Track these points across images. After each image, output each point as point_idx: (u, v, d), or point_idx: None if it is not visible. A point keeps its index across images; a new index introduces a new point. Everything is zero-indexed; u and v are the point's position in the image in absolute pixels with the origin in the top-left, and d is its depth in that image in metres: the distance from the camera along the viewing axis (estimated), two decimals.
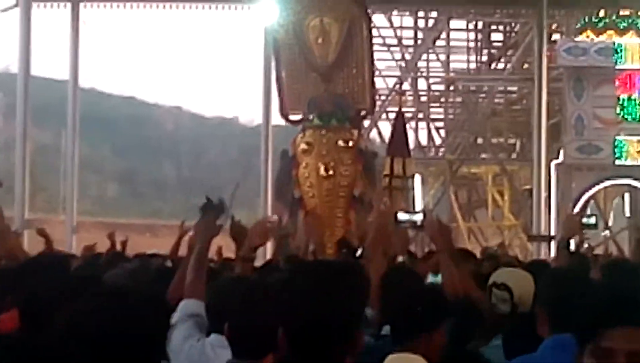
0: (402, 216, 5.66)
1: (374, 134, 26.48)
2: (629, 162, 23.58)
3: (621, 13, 23.63)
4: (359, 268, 3.01)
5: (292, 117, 13.73)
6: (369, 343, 4.91)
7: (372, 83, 13.91)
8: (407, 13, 29.64)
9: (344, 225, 12.79)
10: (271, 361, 3.32)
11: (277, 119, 19.26)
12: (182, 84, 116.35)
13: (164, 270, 6.72)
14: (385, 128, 25.54)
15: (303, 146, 13.01)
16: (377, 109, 23.07)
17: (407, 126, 24.31)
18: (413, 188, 16.51)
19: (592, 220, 6.42)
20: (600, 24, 23.69)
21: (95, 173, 66.53)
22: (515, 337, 4.44)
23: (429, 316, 4.15)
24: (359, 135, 13.52)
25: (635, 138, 23.65)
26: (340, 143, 12.96)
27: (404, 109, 20.83)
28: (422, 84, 30.73)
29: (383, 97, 26.22)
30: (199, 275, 4.80)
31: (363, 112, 13.90)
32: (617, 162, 23.56)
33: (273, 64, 14.34)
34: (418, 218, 5.61)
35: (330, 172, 12.82)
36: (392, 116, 24.74)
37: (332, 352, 2.59)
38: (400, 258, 7.54)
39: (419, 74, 29.74)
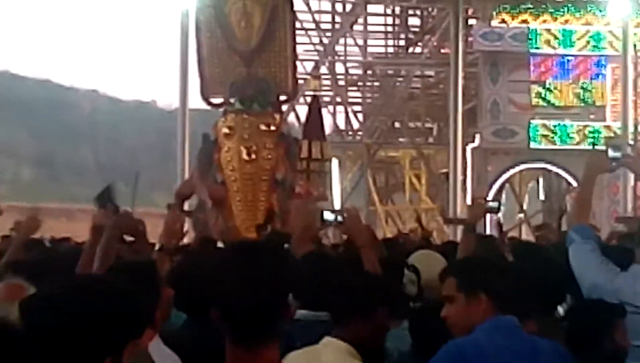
0: (327, 215, 5.68)
1: (291, 118, 26.52)
2: (543, 146, 23.93)
3: None
4: (282, 248, 3.10)
5: (214, 100, 13.68)
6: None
7: (294, 67, 13.92)
8: None
9: (266, 209, 12.80)
10: None
11: (195, 102, 19.21)
12: (98, 67, 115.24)
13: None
14: (303, 112, 25.58)
15: (225, 130, 12.97)
16: None
17: (325, 110, 24.42)
18: (330, 172, 16.53)
19: (495, 204, 6.53)
20: (515, 10, 23.98)
21: (10, 157, 65.59)
22: (420, 319, 4.50)
23: (364, 299, 4.19)
24: (280, 119, 13.52)
25: (549, 122, 24.01)
26: (262, 127, 12.95)
27: (321, 93, 20.90)
28: (339, 68, 30.81)
29: (301, 82, 26.22)
30: (104, 263, 4.83)
31: (285, 97, 13.91)
32: (532, 146, 23.92)
33: (194, 46, 14.24)
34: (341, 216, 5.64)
35: (253, 156, 12.80)
36: (309, 100, 24.80)
37: (265, 328, 2.74)
38: None
39: (336, 58, 29.79)
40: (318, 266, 4.82)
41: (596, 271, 4.90)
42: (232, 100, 13.12)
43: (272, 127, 13.01)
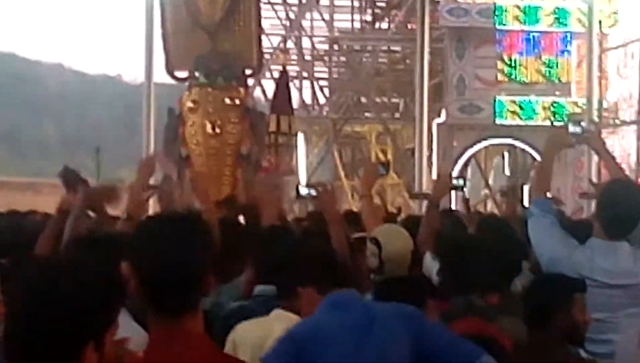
0: (303, 189, 5.69)
1: (257, 92, 26.44)
2: (508, 122, 24.02)
3: None
4: (202, 219, 3.10)
5: (178, 75, 13.62)
6: (244, 305, 4.96)
7: (259, 42, 13.87)
8: None
9: (231, 183, 12.78)
10: None
11: (160, 77, 19.09)
12: (64, 41, 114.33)
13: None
14: (269, 87, 25.51)
15: (189, 104, 12.92)
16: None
17: (291, 84, 24.35)
18: (297, 146, 16.55)
19: (461, 182, 6.55)
20: None
21: None
22: (382, 292, 4.52)
23: (308, 271, 4.20)
24: (245, 93, 13.48)
25: (514, 98, 24.09)
26: (227, 101, 12.91)
27: (288, 68, 20.82)
28: (306, 43, 30.73)
29: (267, 56, 26.16)
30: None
31: (250, 71, 13.87)
32: (497, 121, 23.99)
33: (159, 20, 14.15)
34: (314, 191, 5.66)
35: (217, 130, 12.77)
36: (276, 75, 24.73)
37: (184, 299, 2.79)
38: None
39: (303, 33, 29.72)
40: (277, 241, 4.84)
41: (554, 245, 4.94)
42: (197, 74, 13.07)
43: (237, 101, 12.98)
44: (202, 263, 2.82)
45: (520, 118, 24.02)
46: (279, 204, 6.70)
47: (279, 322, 4.13)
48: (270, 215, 6.10)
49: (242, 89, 13.31)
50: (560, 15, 24.08)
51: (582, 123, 5.46)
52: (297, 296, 4.16)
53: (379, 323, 3.69)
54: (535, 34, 24.44)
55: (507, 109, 24.04)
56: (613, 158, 5.85)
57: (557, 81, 24.51)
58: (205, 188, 6.66)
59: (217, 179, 12.69)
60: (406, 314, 3.76)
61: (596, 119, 21.23)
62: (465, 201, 9.86)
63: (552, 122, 22.09)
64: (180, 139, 12.89)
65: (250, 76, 14.01)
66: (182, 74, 13.55)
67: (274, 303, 4.33)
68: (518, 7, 24.02)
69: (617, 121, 24.76)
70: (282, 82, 15.56)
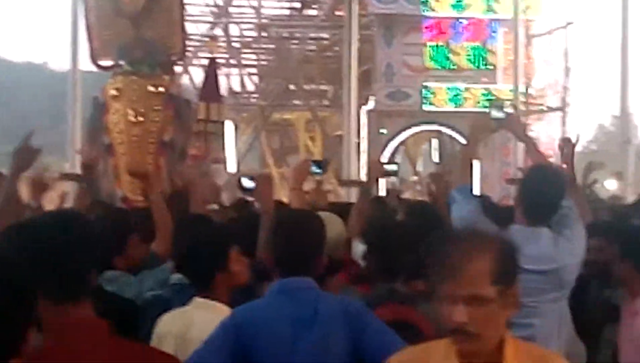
0: (246, 182, 5.66)
1: (185, 80, 26.28)
2: (436, 108, 24.18)
3: None
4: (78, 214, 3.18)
5: (103, 63, 13.50)
6: (159, 295, 4.95)
7: (183, 28, 13.79)
8: None
9: (154, 171, 12.70)
10: None
11: (87, 65, 18.91)
12: None
13: None
14: (197, 74, 25.42)
15: (112, 92, 12.79)
16: (189, 55, 22.92)
17: (220, 72, 24.24)
18: (225, 134, 16.47)
19: (394, 167, 6.56)
20: None
21: None
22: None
23: (214, 257, 4.21)
24: (170, 81, 13.39)
25: (442, 85, 24.25)
26: (151, 88, 12.80)
27: (216, 55, 20.73)
28: (234, 30, 30.63)
29: (195, 43, 26.02)
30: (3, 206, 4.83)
31: (174, 58, 13.78)
32: (425, 108, 24.14)
33: (82, 9, 14.01)
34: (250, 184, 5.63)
35: (140, 118, 12.65)
36: (204, 62, 24.61)
37: (70, 286, 2.83)
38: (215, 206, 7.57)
39: (230, 19, 29.60)
40: (193, 231, 4.81)
41: None
42: (121, 62, 12.97)
43: (161, 89, 12.90)
44: (87, 256, 2.91)
45: (448, 105, 24.19)
46: (210, 191, 6.66)
47: (200, 310, 4.12)
48: (199, 203, 6.07)
49: (166, 77, 13.23)
50: (488, 3, 24.27)
51: (504, 108, 5.50)
52: (212, 284, 4.17)
53: (322, 318, 3.68)
54: (463, 21, 24.62)
55: (435, 96, 24.20)
56: (533, 142, 5.89)
57: (484, 68, 24.71)
58: (151, 176, 6.59)
59: (139, 167, 12.61)
60: (351, 312, 3.75)
61: (522, 105, 21.45)
62: (395, 187, 9.90)
63: (477, 109, 22.27)
64: (103, 127, 12.78)
65: (174, 62, 13.93)
66: (106, 62, 13.43)
67: (190, 291, 4.32)
68: None
69: (543, 108, 25.05)
70: (211, 70, 15.49)
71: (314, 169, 6.25)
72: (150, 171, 7.31)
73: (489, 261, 2.86)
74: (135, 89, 12.72)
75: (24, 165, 5.10)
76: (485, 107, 23.52)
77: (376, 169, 6.48)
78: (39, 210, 7.10)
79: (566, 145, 6.02)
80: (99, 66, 13.52)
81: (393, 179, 16.20)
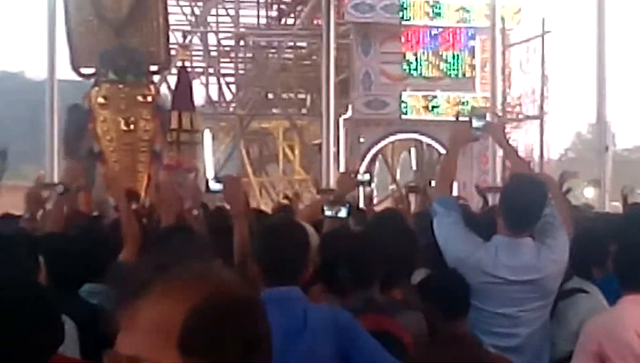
0: (213, 184, 5.62)
1: (163, 88, 26.17)
2: (414, 117, 24.19)
3: None
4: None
5: (84, 71, 13.46)
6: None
7: (167, 37, 13.79)
8: None
9: (144, 179, 12.70)
10: None
11: (64, 73, 18.81)
12: None
13: None
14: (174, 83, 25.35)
15: (100, 100, 12.79)
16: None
17: (197, 81, 24.19)
18: (202, 143, 16.42)
19: (367, 177, 6.53)
20: None
21: None
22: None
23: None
24: (157, 91, 13.41)
25: (420, 93, 24.27)
26: (139, 98, 12.85)
27: (193, 64, 20.68)
28: (212, 39, 30.58)
29: (172, 52, 25.95)
30: None
31: (157, 67, 13.77)
32: (404, 117, 24.15)
33: (62, 16, 13.96)
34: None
35: (132, 127, 12.70)
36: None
37: None
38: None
39: (208, 28, 29.57)
40: (176, 239, 4.79)
41: (459, 244, 4.96)
42: (104, 70, 12.93)
43: (149, 99, 12.92)
44: None
45: (426, 113, 24.21)
46: (180, 204, 6.61)
47: None
48: (170, 216, 6.03)
49: (152, 87, 13.24)
50: (464, 11, 24.32)
51: (486, 117, 5.49)
52: None
53: (311, 329, 3.65)
54: (440, 30, 24.66)
55: (413, 104, 24.22)
56: (515, 150, 5.90)
57: (461, 76, 24.76)
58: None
59: (131, 176, 12.62)
60: (339, 324, 3.72)
61: (500, 113, 21.49)
62: (369, 196, 9.89)
63: (457, 117, 22.29)
64: (91, 134, 12.75)
65: (156, 72, 13.90)
66: (88, 70, 13.39)
67: None
68: (423, 2, 24.20)
69: (520, 116, 25.11)
70: (183, 78, 15.42)
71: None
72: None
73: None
74: (123, 98, 12.73)
75: None
76: (463, 115, 23.61)
77: (348, 179, 6.44)
78: (32, 222, 7.07)
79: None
80: (80, 74, 13.48)
81: (369, 188, 16.18)
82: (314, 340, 3.61)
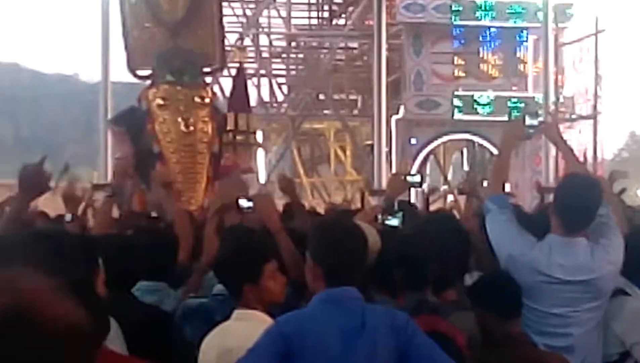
0: (243, 202, 5.62)
1: (216, 90, 26.26)
2: (466, 117, 24.09)
3: None
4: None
5: (140, 73, 13.55)
6: (204, 303, 4.96)
7: (222, 39, 13.86)
8: None
9: (204, 180, 12.78)
10: None
11: (117, 75, 18.96)
12: (19, 40, 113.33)
13: None
14: (227, 84, 25.44)
15: (158, 100, 12.84)
16: None
17: (249, 82, 24.27)
18: (257, 144, 16.45)
19: (417, 178, 6.48)
20: None
21: None
22: None
23: (242, 268, 4.20)
24: (213, 92, 13.50)
25: (472, 93, 24.17)
26: (197, 99, 12.90)
27: (245, 65, 20.74)
28: (263, 40, 30.68)
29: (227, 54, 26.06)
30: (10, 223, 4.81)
31: (211, 68, 13.85)
32: (455, 117, 24.07)
33: (117, 18, 14.05)
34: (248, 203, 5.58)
35: (191, 128, 12.75)
36: (233, 72, 24.64)
37: None
38: None
39: (260, 30, 29.67)
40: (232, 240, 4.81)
41: (512, 242, 4.93)
42: (161, 72, 13.01)
43: (206, 100, 12.99)
44: None
45: (478, 113, 24.10)
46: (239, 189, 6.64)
47: (238, 322, 4.13)
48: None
49: (208, 88, 13.34)
50: (517, 11, 24.19)
51: (539, 115, 5.44)
52: (242, 296, 4.20)
53: (369, 329, 3.63)
54: (492, 30, 24.54)
55: (465, 105, 24.12)
56: (571, 149, 5.82)
57: (513, 76, 24.62)
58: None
59: (192, 177, 12.69)
60: (397, 325, 3.70)
61: (553, 113, 21.33)
62: (425, 197, 9.86)
63: (509, 117, 22.13)
64: (150, 135, 12.82)
65: (210, 73, 13.98)
66: (144, 72, 13.48)
67: (231, 303, 4.33)
68: (474, 2, 24.11)
69: (573, 116, 24.93)
70: (239, 80, 15.47)
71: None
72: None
73: None
74: (182, 99, 12.79)
75: (33, 190, 4.66)
76: (516, 115, 23.49)
77: (399, 181, 6.41)
78: (76, 222, 7.12)
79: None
80: (136, 76, 13.57)
81: (420, 189, 16.16)
82: (373, 340, 3.60)
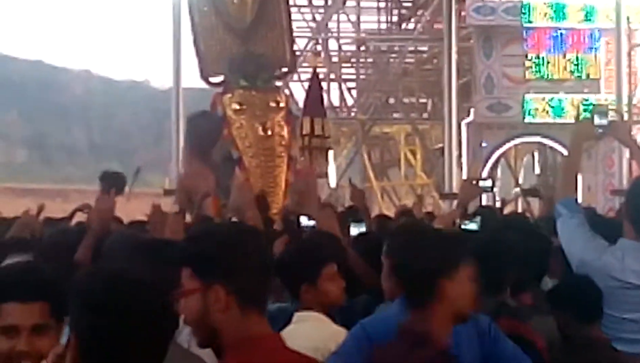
0: (305, 221, 5.68)
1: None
2: (537, 120, 23.91)
3: None
4: None
5: (213, 80, 13.64)
6: (282, 306, 5.01)
7: (292, 43, 13.92)
8: None
9: (283, 185, 12.85)
10: None
11: (188, 82, 19.14)
12: (91, 47, 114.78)
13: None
14: (297, 89, 25.54)
15: (234, 105, 12.91)
16: None
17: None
18: (331, 148, 16.47)
19: (489, 183, 6.42)
20: None
21: (2, 139, 65.44)
22: None
23: (304, 266, 4.24)
24: (287, 96, 13.57)
25: (543, 96, 23.98)
26: (272, 103, 12.96)
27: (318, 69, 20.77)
28: (333, 44, 30.74)
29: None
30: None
31: (282, 71, 13.92)
32: (526, 120, 23.89)
33: (187, 25, 14.17)
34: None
35: (269, 132, 12.83)
36: (303, 77, 24.73)
37: None
38: None
39: (329, 34, 29.73)
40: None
41: (584, 247, 4.86)
42: (234, 77, 13.08)
43: (281, 104, 13.06)
44: None
45: (549, 116, 23.91)
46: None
47: (303, 324, 4.17)
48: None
49: (282, 93, 13.42)
50: (588, 12, 23.95)
51: (608, 114, 5.34)
52: (300, 297, 4.28)
53: (453, 334, 3.60)
54: (563, 31, 24.32)
55: (536, 107, 23.94)
56: None
57: (585, 78, 24.37)
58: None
59: (272, 181, 12.76)
60: (481, 329, 3.73)
61: (626, 115, 21.10)
62: (501, 202, 9.79)
63: (576, 118, 21.97)
64: (228, 141, 12.90)
65: (285, 75, 14.05)
66: (216, 79, 13.58)
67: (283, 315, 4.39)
68: (545, 4, 23.92)
69: None
70: (315, 84, 15.48)
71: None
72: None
73: None
74: (257, 104, 12.87)
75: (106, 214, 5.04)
76: (578, 117, 23.19)
77: (471, 187, 6.36)
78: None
79: None
80: (209, 83, 13.67)
81: (491, 193, 16.07)
82: (456, 344, 3.59)
